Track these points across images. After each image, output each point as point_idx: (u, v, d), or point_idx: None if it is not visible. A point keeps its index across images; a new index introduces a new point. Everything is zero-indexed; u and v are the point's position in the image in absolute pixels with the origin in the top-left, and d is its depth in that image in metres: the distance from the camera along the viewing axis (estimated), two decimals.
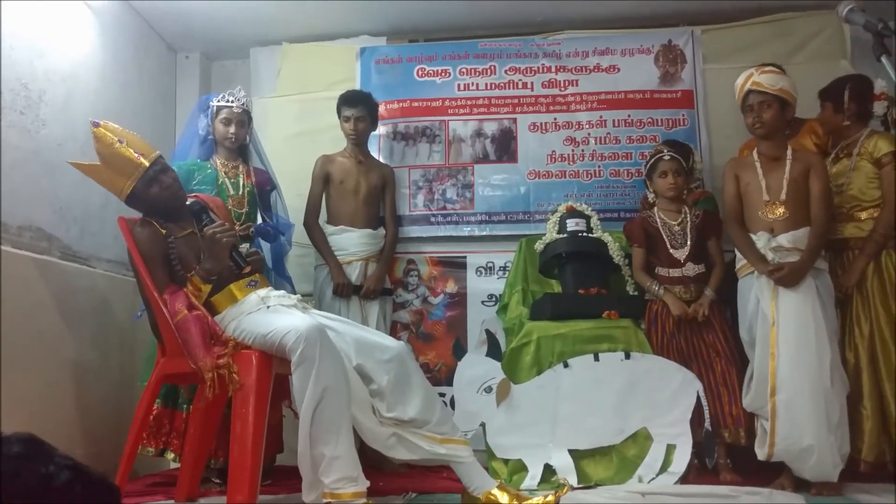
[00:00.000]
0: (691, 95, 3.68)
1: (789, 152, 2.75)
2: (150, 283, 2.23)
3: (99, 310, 3.02)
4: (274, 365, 2.17)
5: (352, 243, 3.28)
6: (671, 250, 2.97)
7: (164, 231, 2.29)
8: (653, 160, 3.05)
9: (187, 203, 2.34)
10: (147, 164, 2.26)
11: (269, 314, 2.23)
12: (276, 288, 2.75)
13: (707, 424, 2.68)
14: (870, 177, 2.80)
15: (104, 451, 2.74)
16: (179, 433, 2.74)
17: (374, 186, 3.41)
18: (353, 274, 3.24)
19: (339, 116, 3.37)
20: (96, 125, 2.25)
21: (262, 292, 2.35)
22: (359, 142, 3.40)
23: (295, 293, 2.97)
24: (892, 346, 2.64)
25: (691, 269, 2.94)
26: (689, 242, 2.96)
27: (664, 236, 2.99)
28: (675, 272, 2.96)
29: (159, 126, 3.79)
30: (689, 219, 3.01)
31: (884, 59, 1.82)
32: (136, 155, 2.25)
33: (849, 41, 3.58)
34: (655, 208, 3.06)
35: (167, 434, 2.77)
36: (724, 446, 2.75)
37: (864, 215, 2.80)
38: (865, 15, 1.93)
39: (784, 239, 2.64)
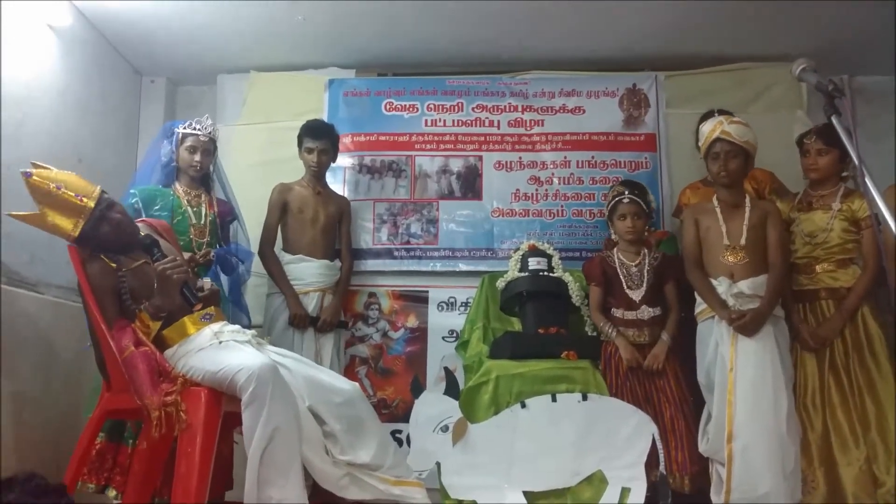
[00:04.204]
0: (654, 139, 3.74)
1: (748, 200, 2.83)
2: (98, 316, 2.17)
3: (45, 337, 2.92)
4: (224, 402, 2.12)
5: (309, 273, 3.23)
6: (627, 291, 2.97)
7: (113, 265, 2.23)
8: (613, 202, 3.07)
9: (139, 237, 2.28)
10: (92, 204, 2.20)
11: (220, 350, 2.19)
12: (232, 319, 2.70)
13: (661, 468, 2.68)
14: (844, 232, 2.81)
15: None
16: (123, 469, 2.64)
17: (332, 217, 3.38)
18: (311, 305, 3.19)
19: (301, 146, 3.34)
20: (28, 175, 2.16)
21: (215, 327, 2.30)
22: (320, 174, 3.38)
23: (251, 324, 2.94)
24: (869, 400, 2.64)
25: (646, 312, 2.95)
26: (645, 284, 2.97)
27: (621, 277, 3.00)
28: (629, 314, 2.96)
29: (121, 150, 3.73)
30: (647, 260, 3.02)
31: (834, 120, 1.87)
32: (78, 197, 2.19)
33: (805, 93, 3.69)
34: (615, 248, 3.09)
35: (110, 470, 2.66)
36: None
37: (838, 267, 2.81)
38: (817, 75, 1.99)
39: (744, 285, 2.68)
